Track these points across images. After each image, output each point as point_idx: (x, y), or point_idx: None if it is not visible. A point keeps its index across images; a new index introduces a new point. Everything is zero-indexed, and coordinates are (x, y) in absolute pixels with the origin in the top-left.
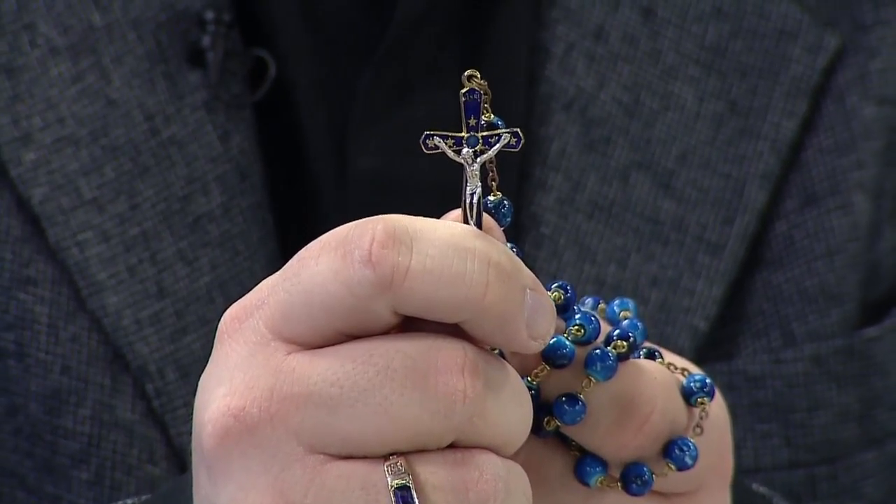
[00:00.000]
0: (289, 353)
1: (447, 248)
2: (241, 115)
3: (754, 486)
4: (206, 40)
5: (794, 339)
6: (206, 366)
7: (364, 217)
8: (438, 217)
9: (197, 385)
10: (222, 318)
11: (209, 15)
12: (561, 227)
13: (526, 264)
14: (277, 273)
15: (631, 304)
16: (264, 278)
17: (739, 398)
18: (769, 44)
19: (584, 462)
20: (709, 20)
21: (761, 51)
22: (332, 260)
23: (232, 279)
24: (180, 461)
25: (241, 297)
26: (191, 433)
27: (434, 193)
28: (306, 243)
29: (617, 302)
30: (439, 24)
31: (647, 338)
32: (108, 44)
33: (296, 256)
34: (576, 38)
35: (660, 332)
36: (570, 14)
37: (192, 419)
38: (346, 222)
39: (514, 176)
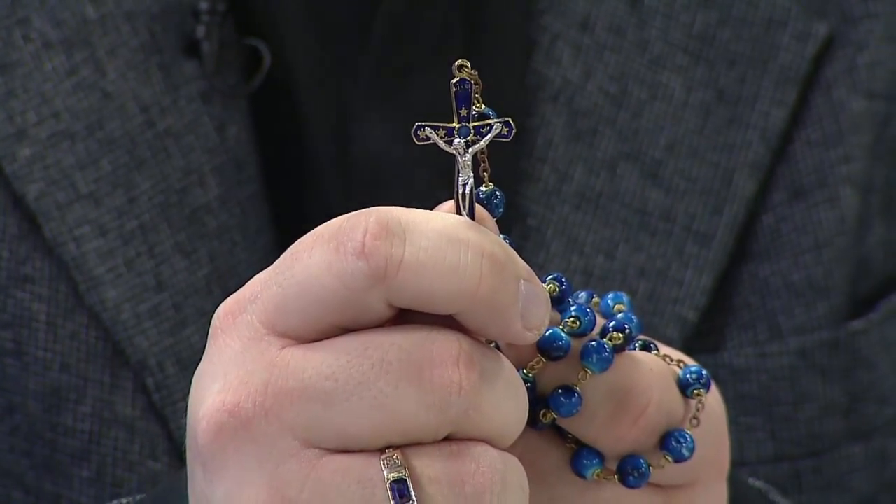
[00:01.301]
0: (283, 348)
1: (440, 239)
2: (237, 106)
3: (750, 479)
4: (200, 31)
5: (781, 333)
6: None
7: (367, 203)
8: (439, 202)
9: None
10: (215, 314)
11: (203, 5)
12: (548, 218)
13: (519, 255)
14: (270, 267)
15: (625, 297)
16: (262, 269)
17: (724, 391)
18: (758, 32)
19: (580, 454)
20: (697, 9)
21: (750, 39)
22: (326, 252)
23: (230, 271)
24: (182, 456)
25: (238, 289)
26: None
27: (437, 178)
28: (306, 232)
29: (611, 296)
30: (439, 6)
31: (641, 331)
32: (103, 36)
33: (289, 250)
34: (561, 28)
35: (648, 322)
36: (555, 4)
37: None
38: (348, 208)
39: (508, 166)
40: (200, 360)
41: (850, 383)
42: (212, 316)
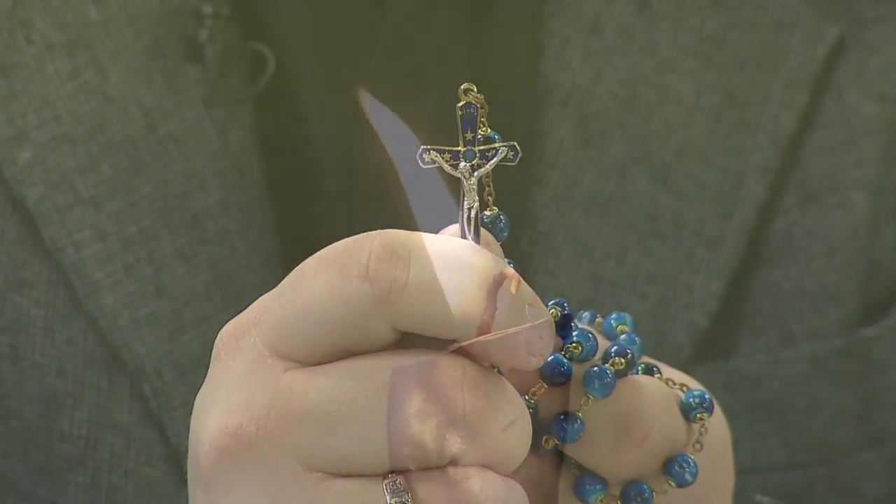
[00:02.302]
0: (286, 371)
1: (445, 263)
2: (240, 110)
3: (757, 496)
4: (203, 35)
5: (793, 339)
6: (203, 365)
7: (370, 209)
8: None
9: (195, 384)
10: (219, 335)
11: (207, 9)
12: (558, 223)
13: (524, 278)
14: (274, 289)
15: (628, 318)
16: (262, 276)
17: (737, 398)
18: (767, 34)
19: (583, 480)
20: (706, 11)
21: (759, 42)
22: (330, 275)
23: (230, 276)
24: (178, 463)
25: (238, 295)
26: (188, 433)
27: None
28: (308, 239)
29: (614, 316)
30: (445, 13)
31: (644, 352)
32: (105, 39)
33: (292, 272)
34: (570, 32)
35: (659, 328)
36: (564, 8)
37: (189, 419)
38: (351, 215)
39: (517, 172)
40: (199, 366)
41: (863, 389)
42: (211, 322)
